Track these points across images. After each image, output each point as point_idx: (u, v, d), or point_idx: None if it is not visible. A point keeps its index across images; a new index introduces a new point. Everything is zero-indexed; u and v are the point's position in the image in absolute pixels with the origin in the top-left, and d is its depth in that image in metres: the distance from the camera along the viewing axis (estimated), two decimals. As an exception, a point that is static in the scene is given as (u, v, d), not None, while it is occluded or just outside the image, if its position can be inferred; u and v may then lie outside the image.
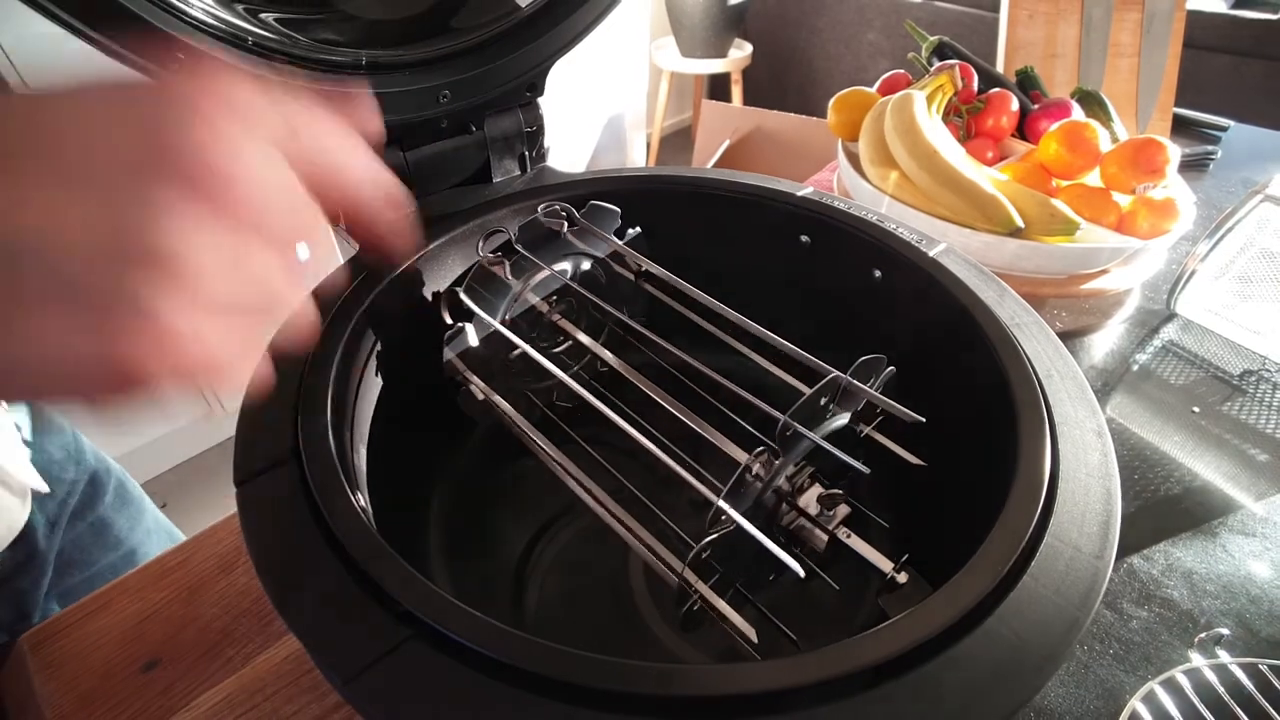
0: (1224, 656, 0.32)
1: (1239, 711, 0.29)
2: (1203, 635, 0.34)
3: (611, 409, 0.28)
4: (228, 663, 0.35)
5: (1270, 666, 0.30)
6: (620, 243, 0.35)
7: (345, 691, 0.18)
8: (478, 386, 0.32)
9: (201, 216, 0.15)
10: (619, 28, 1.84)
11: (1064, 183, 0.62)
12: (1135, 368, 0.56)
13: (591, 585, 0.36)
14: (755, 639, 0.23)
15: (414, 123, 0.35)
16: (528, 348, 0.31)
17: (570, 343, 0.37)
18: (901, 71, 0.74)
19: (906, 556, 0.24)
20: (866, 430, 0.28)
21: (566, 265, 0.37)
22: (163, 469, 1.40)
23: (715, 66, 2.08)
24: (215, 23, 0.26)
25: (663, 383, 0.29)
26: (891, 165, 0.61)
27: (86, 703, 0.33)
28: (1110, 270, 0.60)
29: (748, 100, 2.22)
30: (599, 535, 0.28)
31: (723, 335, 0.33)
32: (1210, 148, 0.84)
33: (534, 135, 0.41)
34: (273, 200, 0.16)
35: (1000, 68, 0.85)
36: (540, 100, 0.41)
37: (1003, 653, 0.18)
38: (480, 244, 0.35)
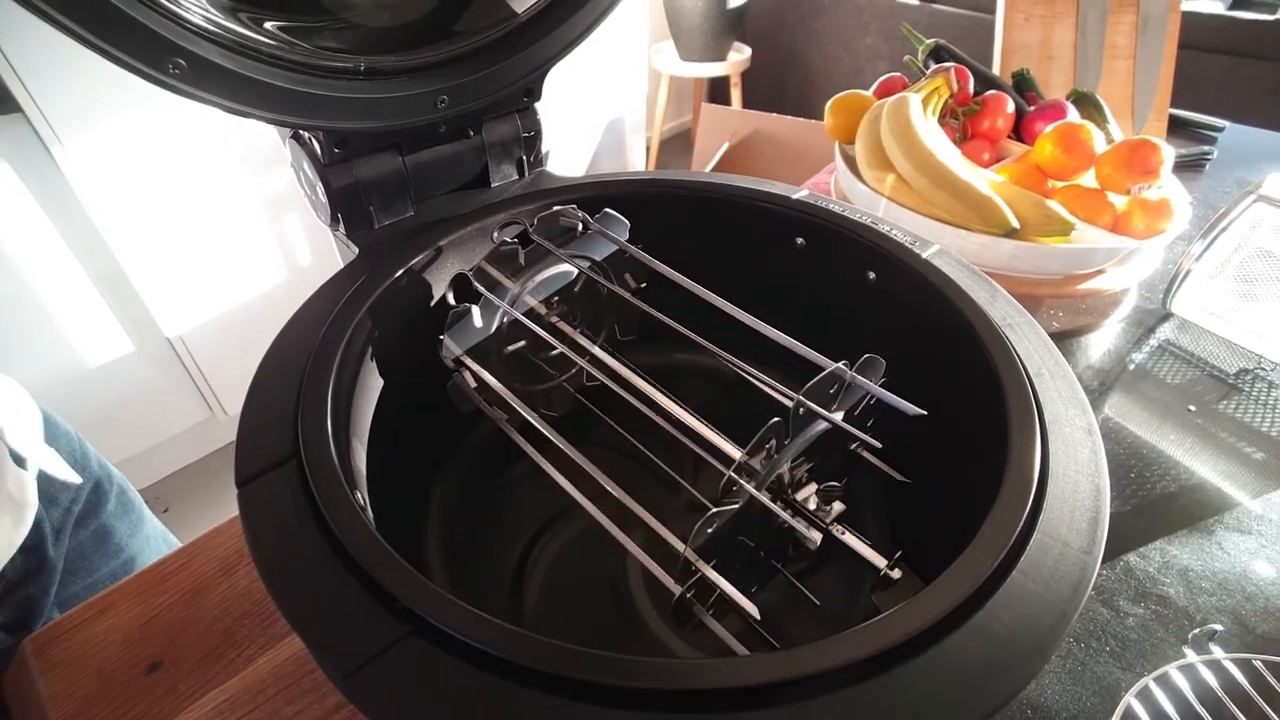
0: (1217, 652, 0.32)
1: (1233, 707, 0.29)
2: (1196, 631, 0.34)
3: (610, 410, 0.28)
4: (230, 664, 0.36)
5: (1264, 662, 0.30)
6: (634, 247, 0.36)
7: (344, 687, 0.18)
8: (471, 372, 0.33)
9: None
10: (618, 32, 1.84)
11: (1060, 184, 0.63)
12: (1132, 367, 0.56)
13: (589, 584, 0.36)
14: (759, 615, 0.23)
15: (412, 128, 0.35)
16: (547, 333, 0.31)
17: (566, 348, 0.38)
18: (898, 74, 0.75)
19: (900, 553, 0.25)
20: (860, 429, 0.29)
21: (571, 267, 0.37)
22: (165, 474, 1.41)
23: (714, 70, 2.09)
24: (216, 30, 0.26)
25: (665, 382, 0.29)
26: (888, 168, 0.62)
27: (90, 704, 0.33)
28: (1106, 270, 0.60)
29: (747, 103, 2.23)
30: (597, 535, 0.28)
31: (710, 345, 0.33)
32: (1206, 148, 0.85)
33: (531, 140, 0.41)
34: None
35: (997, 70, 0.85)
36: (538, 105, 0.41)
37: (992, 646, 0.19)
38: (496, 233, 0.35)
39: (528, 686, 0.18)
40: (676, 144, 2.59)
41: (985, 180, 0.60)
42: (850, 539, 0.25)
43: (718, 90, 2.42)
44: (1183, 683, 0.30)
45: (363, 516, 0.22)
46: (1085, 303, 0.61)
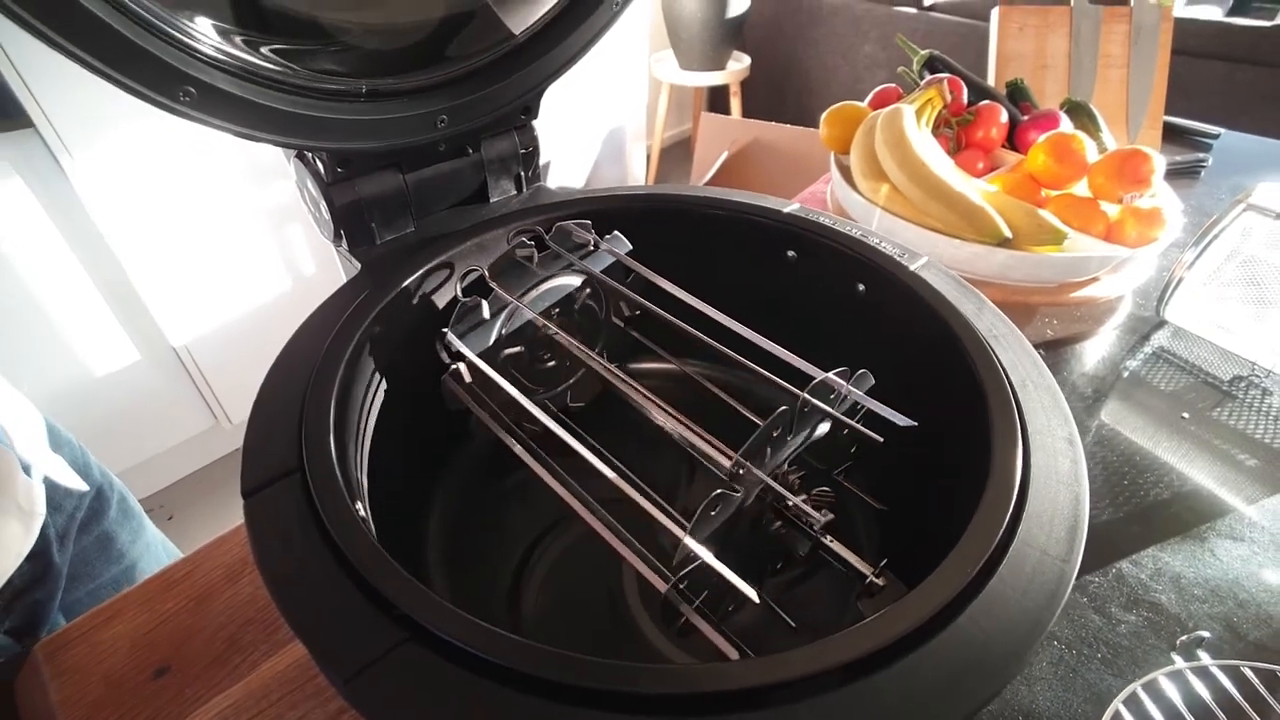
0: (1205, 659, 0.32)
1: (1220, 714, 0.29)
2: (1184, 638, 0.35)
3: (606, 421, 0.29)
4: (234, 670, 0.36)
5: (1252, 668, 0.31)
6: (636, 263, 0.36)
7: (345, 691, 0.19)
8: (468, 365, 0.33)
9: None
10: (618, 41, 1.86)
11: (1053, 193, 0.63)
12: (1126, 374, 0.56)
13: (586, 593, 0.37)
14: (736, 657, 0.24)
15: (413, 147, 0.36)
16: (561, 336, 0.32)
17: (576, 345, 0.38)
18: (892, 85, 0.76)
19: (886, 561, 0.25)
20: (851, 439, 0.29)
21: (569, 280, 0.38)
22: (170, 481, 1.42)
23: (714, 79, 2.11)
24: (224, 59, 0.27)
25: (660, 391, 0.30)
26: (882, 178, 0.63)
27: (99, 709, 0.34)
28: (1100, 278, 0.61)
29: (747, 111, 2.24)
30: (594, 545, 0.29)
31: (705, 348, 0.34)
32: (1201, 155, 0.85)
33: (529, 156, 0.42)
34: None
35: (992, 79, 0.86)
36: (535, 122, 0.42)
37: (971, 650, 0.19)
38: (509, 237, 0.36)
39: (520, 690, 0.19)
40: (676, 152, 2.61)
41: (978, 190, 0.60)
42: (838, 547, 0.26)
43: (717, 99, 2.43)
44: (1171, 690, 0.30)
45: (364, 527, 0.23)
46: (1080, 310, 0.62)
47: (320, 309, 0.33)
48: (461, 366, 0.34)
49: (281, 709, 0.34)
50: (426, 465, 0.39)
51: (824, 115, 0.73)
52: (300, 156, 0.36)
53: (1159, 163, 0.58)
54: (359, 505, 0.25)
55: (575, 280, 0.38)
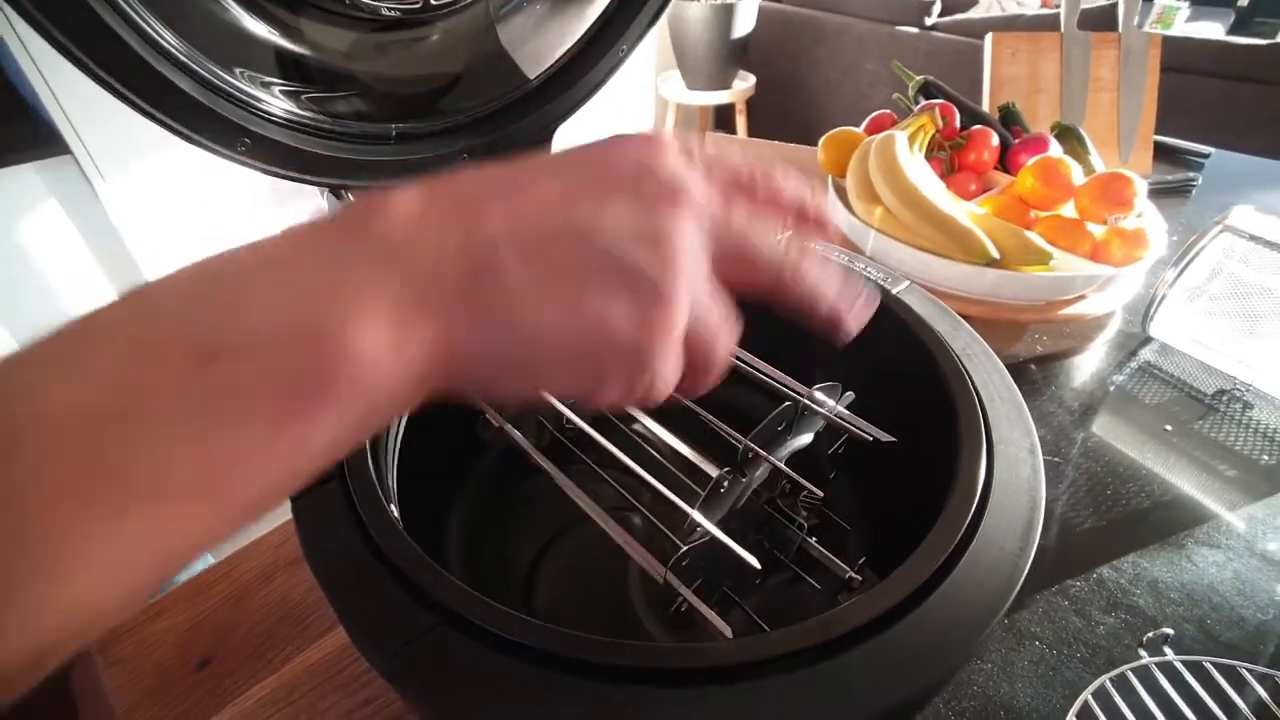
0: (1169, 654, 0.34)
1: (1182, 705, 0.32)
2: (1151, 635, 0.37)
3: (610, 433, 0.32)
4: (270, 663, 0.39)
5: (1213, 663, 0.33)
6: None
7: (384, 668, 0.22)
8: (493, 416, 0.37)
9: (681, 214, 0.18)
10: (626, 62, 1.92)
11: (1042, 214, 0.66)
12: (1113, 389, 0.59)
13: (594, 589, 0.40)
14: (730, 634, 0.26)
15: (437, 181, 0.40)
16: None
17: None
18: (887, 111, 0.79)
19: (864, 559, 0.28)
20: (835, 449, 0.32)
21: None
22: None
23: (720, 98, 2.16)
24: (279, 112, 0.31)
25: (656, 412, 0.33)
26: (876, 201, 0.66)
27: (149, 697, 0.37)
28: (1088, 296, 0.63)
29: (752, 129, 2.29)
30: (601, 545, 0.32)
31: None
32: (1192, 174, 0.88)
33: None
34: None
35: (987, 102, 0.89)
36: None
37: (931, 634, 0.22)
38: None
39: (536, 665, 0.22)
40: (684, 168, 2.66)
41: (967, 213, 0.63)
42: (820, 550, 0.29)
43: (723, 117, 2.48)
44: (1136, 683, 0.32)
45: (397, 526, 0.26)
46: (1069, 327, 0.64)
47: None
48: (488, 417, 0.37)
49: (313, 699, 0.37)
50: (448, 473, 0.43)
51: (821, 140, 0.76)
52: (334, 191, 0.40)
53: (1141, 186, 0.61)
54: (392, 507, 0.28)
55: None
